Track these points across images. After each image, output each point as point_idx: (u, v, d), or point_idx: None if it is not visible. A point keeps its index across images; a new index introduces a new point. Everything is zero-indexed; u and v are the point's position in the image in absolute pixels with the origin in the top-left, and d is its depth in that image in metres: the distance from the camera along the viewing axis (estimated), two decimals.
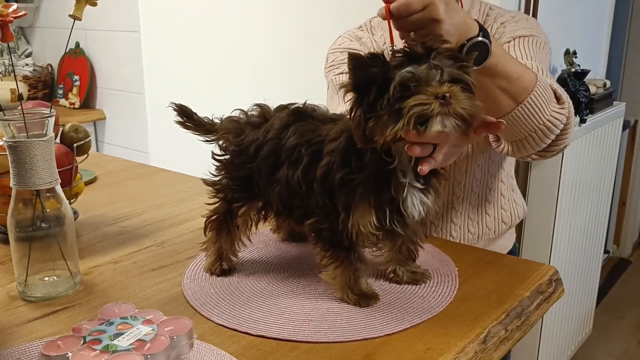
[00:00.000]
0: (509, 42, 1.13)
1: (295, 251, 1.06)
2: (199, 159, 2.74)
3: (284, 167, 0.87)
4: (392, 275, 0.93)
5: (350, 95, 0.76)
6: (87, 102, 3.07)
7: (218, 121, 1.01)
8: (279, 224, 1.09)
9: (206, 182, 0.99)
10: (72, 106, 3.07)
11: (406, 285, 0.92)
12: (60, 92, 3.14)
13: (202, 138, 1.03)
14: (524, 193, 2.05)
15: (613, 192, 2.60)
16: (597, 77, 2.37)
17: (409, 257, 0.93)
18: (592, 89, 2.15)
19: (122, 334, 0.68)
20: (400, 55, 0.73)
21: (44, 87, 3.18)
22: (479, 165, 1.20)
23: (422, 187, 0.83)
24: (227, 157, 0.96)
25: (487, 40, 0.87)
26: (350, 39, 1.30)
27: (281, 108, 0.95)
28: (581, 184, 2.13)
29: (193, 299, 0.89)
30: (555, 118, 1.00)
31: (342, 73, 1.26)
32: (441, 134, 0.73)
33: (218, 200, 0.98)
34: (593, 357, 2.65)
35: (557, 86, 1.03)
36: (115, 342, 0.66)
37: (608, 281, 3.31)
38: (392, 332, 0.79)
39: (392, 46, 0.84)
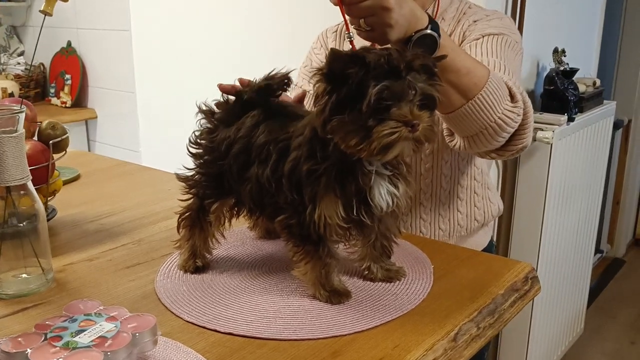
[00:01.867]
0: (477, 39, 1.12)
1: (271, 248, 1.05)
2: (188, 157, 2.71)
3: (254, 165, 0.87)
4: (367, 272, 0.93)
5: (318, 83, 0.75)
6: (79, 101, 3.07)
7: None
8: (255, 222, 1.08)
9: (179, 178, 0.98)
10: (63, 105, 3.07)
11: (380, 283, 0.91)
12: (52, 91, 3.14)
13: None
14: (511, 192, 2.04)
15: (606, 192, 2.60)
16: (587, 76, 2.37)
17: (383, 254, 0.92)
18: (582, 88, 2.14)
19: (83, 330, 0.68)
20: (379, 63, 0.72)
21: (36, 86, 3.18)
22: (446, 161, 1.20)
23: (389, 175, 0.82)
24: (200, 151, 0.96)
25: (435, 34, 0.87)
26: (318, 40, 1.32)
27: (253, 105, 0.94)
28: (570, 183, 2.12)
29: (164, 297, 0.88)
30: (507, 116, 0.99)
31: (295, 85, 1.30)
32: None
33: (191, 196, 0.97)
34: (585, 356, 2.64)
35: (513, 84, 1.01)
36: (76, 338, 0.66)
37: (601, 281, 3.31)
38: (361, 330, 0.78)
39: (348, 33, 0.85)
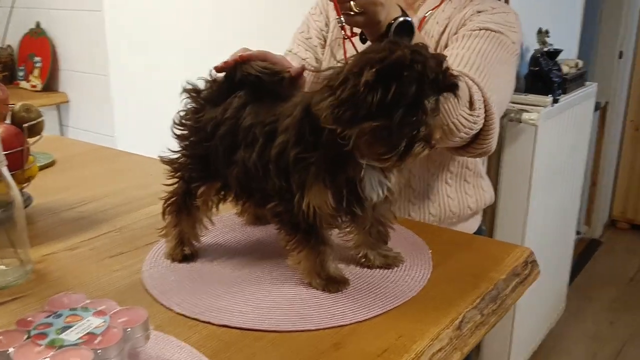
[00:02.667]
0: (474, 30, 1.09)
1: (261, 235, 1.01)
2: (169, 141, 2.67)
3: (241, 149, 0.82)
4: (364, 259, 0.89)
5: (367, 75, 0.68)
6: (50, 84, 2.95)
7: None
8: (243, 207, 1.04)
9: (163, 160, 0.93)
10: (33, 89, 2.96)
11: (378, 270, 0.88)
12: (21, 74, 3.02)
13: None
14: (496, 174, 2.03)
15: (585, 173, 2.61)
16: (569, 57, 2.36)
17: (380, 240, 0.89)
18: (565, 69, 2.13)
19: (70, 327, 0.63)
20: (434, 78, 0.70)
21: (4, 69, 3.05)
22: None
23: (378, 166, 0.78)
24: (185, 132, 0.91)
25: (412, 21, 0.87)
26: (317, 5, 1.27)
27: (242, 84, 0.90)
28: (555, 165, 2.12)
29: (152, 287, 0.84)
30: (460, 122, 0.98)
31: (290, 51, 1.26)
32: None
33: (176, 180, 0.92)
34: (566, 337, 2.66)
35: (477, 92, 1.00)
36: (62, 336, 0.61)
37: (579, 262, 3.34)
38: (363, 319, 0.75)
39: (339, 18, 0.81)
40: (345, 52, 0.80)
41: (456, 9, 1.14)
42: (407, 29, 0.87)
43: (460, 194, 1.21)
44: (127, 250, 0.96)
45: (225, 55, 0.92)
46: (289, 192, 0.77)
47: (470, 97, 0.98)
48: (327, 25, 1.24)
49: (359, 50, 0.79)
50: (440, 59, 0.71)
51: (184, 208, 0.92)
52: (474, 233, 1.29)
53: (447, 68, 0.72)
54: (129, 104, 2.66)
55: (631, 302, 2.92)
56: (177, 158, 0.92)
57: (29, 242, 0.89)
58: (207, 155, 0.87)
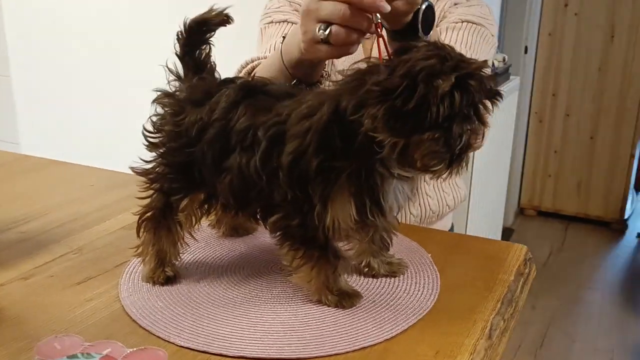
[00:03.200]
0: (456, 23, 1.07)
1: (244, 248, 0.92)
2: (81, 146, 2.49)
3: (236, 153, 0.73)
4: (367, 269, 0.83)
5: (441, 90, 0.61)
6: None
7: None
8: (220, 218, 0.94)
9: (136, 171, 0.82)
10: None
11: (383, 279, 0.82)
12: None
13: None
14: None
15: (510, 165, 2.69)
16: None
17: (383, 247, 0.83)
18: (495, 63, 2.18)
19: None
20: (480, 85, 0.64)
21: None
22: None
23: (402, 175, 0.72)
24: (161, 138, 0.80)
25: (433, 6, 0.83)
26: None
27: (227, 82, 0.81)
28: (488, 159, 2.16)
29: (140, 318, 0.72)
30: None
31: (271, 22, 1.17)
32: None
33: (153, 192, 0.81)
34: None
35: None
36: None
37: None
38: (391, 337, 0.69)
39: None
40: (380, 52, 0.71)
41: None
42: (430, 15, 0.81)
43: (438, 192, 1.18)
44: (94, 275, 0.84)
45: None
46: (306, 203, 0.69)
47: None
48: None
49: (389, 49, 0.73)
50: (482, 65, 0.66)
51: (163, 224, 0.81)
52: (449, 230, 1.27)
53: (490, 80, 0.66)
54: (34, 107, 2.43)
55: (547, 286, 3.07)
56: (152, 168, 0.81)
57: None
58: (190, 163, 0.77)
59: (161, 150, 0.80)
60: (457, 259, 0.89)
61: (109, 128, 2.40)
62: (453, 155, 0.64)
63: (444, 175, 0.66)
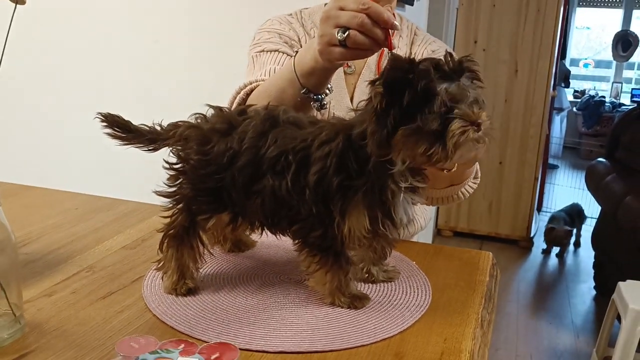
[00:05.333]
0: None
1: (250, 262, 1.01)
2: (43, 167, 2.45)
3: (267, 177, 0.82)
4: (367, 275, 0.94)
5: (376, 96, 0.74)
6: None
7: (158, 127, 0.92)
8: (225, 235, 1.02)
9: (160, 194, 0.89)
10: None
11: (382, 284, 0.93)
12: None
13: (143, 148, 0.93)
14: None
15: None
16: None
17: (382, 257, 0.94)
18: None
19: None
20: (436, 68, 0.74)
21: None
22: None
23: (411, 188, 0.84)
24: (186, 166, 0.88)
25: None
26: (280, 21, 1.28)
27: (242, 112, 0.90)
28: None
29: (176, 324, 0.79)
30: (467, 190, 1.20)
31: (263, 51, 1.25)
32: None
33: (176, 212, 0.89)
34: None
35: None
36: None
37: None
38: (404, 329, 0.80)
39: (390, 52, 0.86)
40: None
41: (407, 45, 1.25)
42: None
43: (418, 212, 1.31)
44: (115, 290, 0.89)
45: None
46: (327, 216, 0.80)
47: (477, 170, 1.14)
48: (295, 35, 1.27)
49: None
50: (437, 59, 0.76)
51: (186, 241, 0.88)
52: None
53: (447, 60, 0.76)
54: None
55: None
56: (177, 190, 0.88)
57: (21, 290, 0.79)
58: (219, 187, 0.85)
59: (187, 176, 0.87)
60: (438, 265, 1.02)
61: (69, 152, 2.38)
62: (435, 135, 0.73)
63: (444, 161, 0.74)
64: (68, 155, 2.40)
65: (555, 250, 4.08)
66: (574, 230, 4.08)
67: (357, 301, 0.86)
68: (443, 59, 0.76)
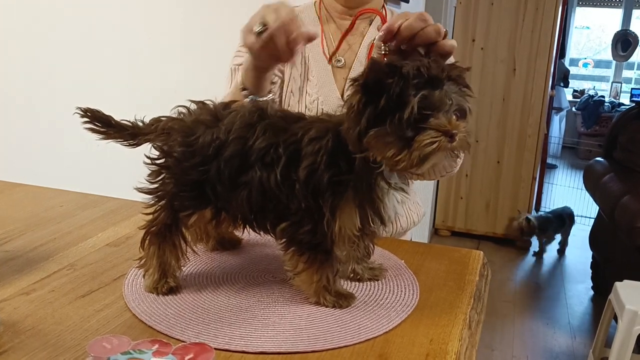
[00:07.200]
0: None
1: (233, 260, 0.99)
2: (30, 164, 2.43)
3: (255, 168, 0.81)
4: (352, 274, 0.92)
5: (354, 94, 0.73)
6: None
7: (139, 122, 0.90)
8: (208, 233, 1.00)
9: (142, 191, 0.87)
10: None
11: (368, 283, 0.92)
12: None
13: (124, 143, 0.91)
14: None
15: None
16: None
17: (366, 255, 0.93)
18: None
19: None
20: (419, 73, 0.72)
21: None
22: None
23: (399, 187, 0.82)
24: (169, 160, 0.86)
25: None
26: None
27: (226, 106, 0.88)
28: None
29: (155, 323, 0.77)
30: (452, 167, 1.20)
31: (240, 65, 1.23)
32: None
33: (158, 209, 0.87)
34: None
35: None
36: None
37: None
38: (389, 329, 0.78)
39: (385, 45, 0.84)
40: None
41: None
42: None
43: (406, 210, 1.29)
44: (96, 288, 0.87)
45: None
46: (317, 212, 0.78)
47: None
48: None
49: None
50: (419, 61, 0.74)
51: (168, 239, 0.86)
52: None
53: (429, 65, 0.74)
54: None
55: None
56: (159, 187, 0.86)
57: None
58: (202, 180, 0.83)
59: (170, 171, 0.85)
60: (427, 264, 1.00)
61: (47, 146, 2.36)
62: (404, 145, 0.72)
63: (410, 168, 0.73)
64: (56, 152, 2.37)
65: (552, 250, 4.06)
66: (558, 236, 4.04)
67: (343, 300, 0.84)
68: (432, 63, 0.74)
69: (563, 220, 3.98)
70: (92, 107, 0.90)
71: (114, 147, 0.93)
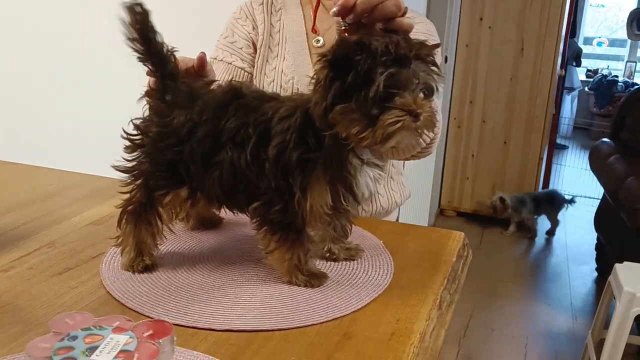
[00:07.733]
0: None
1: (212, 239, 0.99)
2: (19, 143, 2.43)
3: (226, 149, 0.81)
4: (328, 254, 0.93)
5: (322, 69, 0.73)
6: None
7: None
8: (189, 212, 1.01)
9: (119, 169, 0.88)
10: None
11: (344, 262, 0.92)
12: None
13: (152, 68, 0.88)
14: None
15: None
16: None
17: (343, 235, 0.93)
18: None
19: (96, 347, 0.58)
20: (387, 50, 0.71)
21: None
22: None
23: (372, 163, 0.82)
24: (145, 139, 0.86)
25: None
26: (241, 15, 1.26)
27: (205, 85, 0.88)
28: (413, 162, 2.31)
29: (127, 300, 0.79)
30: (429, 150, 1.18)
31: (215, 59, 1.27)
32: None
33: (135, 188, 0.87)
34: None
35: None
36: (93, 357, 0.57)
37: None
38: (358, 309, 0.79)
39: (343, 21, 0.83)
40: None
41: None
42: None
43: (388, 190, 1.30)
44: (73, 266, 0.89)
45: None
46: (287, 191, 0.78)
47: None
48: (254, 29, 1.25)
49: None
50: (388, 39, 0.73)
51: (144, 217, 0.87)
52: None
53: (397, 43, 0.73)
54: None
55: (467, 281, 3.26)
56: (136, 165, 0.87)
57: None
58: (177, 160, 0.84)
59: (145, 150, 0.86)
60: (405, 244, 1.00)
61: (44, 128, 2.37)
62: (368, 120, 0.72)
63: (374, 146, 0.73)
64: (46, 131, 2.37)
65: (558, 232, 4.04)
66: (537, 218, 3.97)
67: (315, 279, 0.84)
68: (400, 41, 0.73)
69: (539, 202, 3.91)
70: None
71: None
